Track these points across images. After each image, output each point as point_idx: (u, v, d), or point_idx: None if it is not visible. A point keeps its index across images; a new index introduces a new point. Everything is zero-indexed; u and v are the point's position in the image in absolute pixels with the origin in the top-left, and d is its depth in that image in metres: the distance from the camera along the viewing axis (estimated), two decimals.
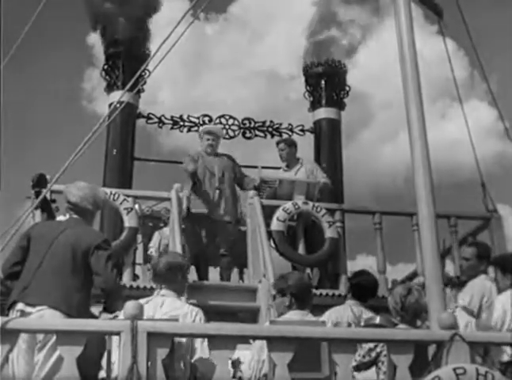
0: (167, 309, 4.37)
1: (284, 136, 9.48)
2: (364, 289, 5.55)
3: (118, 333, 3.54)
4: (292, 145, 8.44)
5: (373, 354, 4.49)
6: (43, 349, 4.10)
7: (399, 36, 4.65)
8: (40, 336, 4.09)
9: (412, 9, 4.72)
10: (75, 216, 4.66)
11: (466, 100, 15.57)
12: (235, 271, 8.78)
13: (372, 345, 4.48)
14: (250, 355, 4.52)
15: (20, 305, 4.25)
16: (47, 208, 5.41)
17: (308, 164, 8.42)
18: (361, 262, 13.79)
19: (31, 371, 4.12)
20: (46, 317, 4.12)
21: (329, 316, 5.27)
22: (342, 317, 5.33)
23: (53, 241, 4.42)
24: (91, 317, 4.22)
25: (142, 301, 4.27)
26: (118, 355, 3.82)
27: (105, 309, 4.37)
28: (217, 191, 7.67)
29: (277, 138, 9.38)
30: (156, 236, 8.89)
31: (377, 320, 4.75)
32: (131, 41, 9.43)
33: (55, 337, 3.86)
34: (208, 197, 7.63)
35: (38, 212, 5.96)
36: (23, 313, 4.19)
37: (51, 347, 4.03)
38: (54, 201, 5.85)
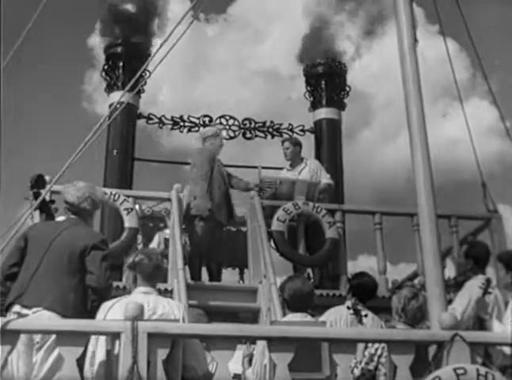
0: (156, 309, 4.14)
1: (286, 136, 9.46)
2: (364, 289, 5.53)
3: (118, 334, 3.54)
4: (296, 144, 8.43)
5: (375, 358, 4.48)
6: (42, 349, 4.10)
7: (400, 35, 4.64)
8: (38, 337, 4.08)
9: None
10: (73, 216, 4.65)
11: (467, 100, 15.58)
12: (235, 272, 8.77)
13: (372, 350, 4.48)
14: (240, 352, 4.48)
15: (16, 307, 4.25)
16: (45, 209, 5.38)
17: (312, 164, 8.39)
18: (362, 262, 13.79)
19: (29, 372, 4.11)
20: (42, 318, 4.10)
21: (328, 316, 5.26)
22: (341, 317, 5.32)
23: (51, 242, 4.41)
24: (88, 318, 4.20)
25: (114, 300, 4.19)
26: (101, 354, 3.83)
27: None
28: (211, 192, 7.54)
29: (277, 139, 9.38)
30: (156, 237, 8.87)
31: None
32: (132, 41, 9.44)
33: (53, 337, 3.86)
34: (204, 198, 7.51)
35: (37, 213, 5.93)
36: (19, 315, 4.17)
37: (50, 347, 4.03)
38: (53, 201, 5.82)
